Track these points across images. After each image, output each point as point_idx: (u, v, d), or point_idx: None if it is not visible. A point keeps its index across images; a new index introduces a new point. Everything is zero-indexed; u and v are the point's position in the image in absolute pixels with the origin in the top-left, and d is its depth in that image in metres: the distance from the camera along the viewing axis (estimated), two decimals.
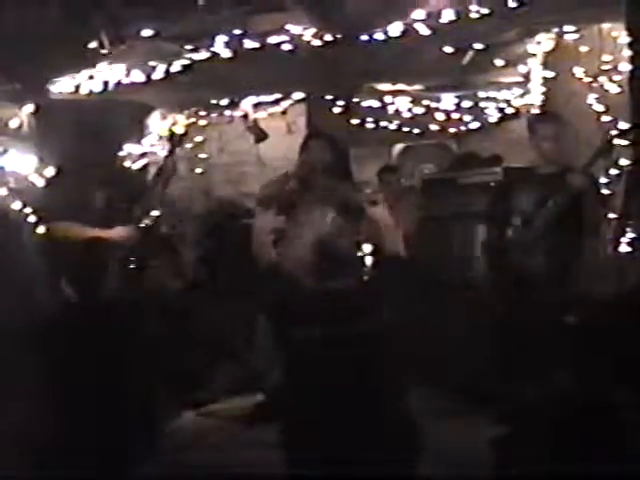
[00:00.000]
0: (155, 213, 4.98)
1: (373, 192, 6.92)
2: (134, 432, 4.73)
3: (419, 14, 5.57)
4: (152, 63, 6.07)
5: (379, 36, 5.75)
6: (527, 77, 7.14)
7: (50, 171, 5.71)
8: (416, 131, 8.59)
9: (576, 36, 6.35)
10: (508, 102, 8.17)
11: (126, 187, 5.06)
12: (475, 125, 8.48)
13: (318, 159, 4.99)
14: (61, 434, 4.60)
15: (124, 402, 4.67)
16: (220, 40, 5.75)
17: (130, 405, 4.72)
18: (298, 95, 7.85)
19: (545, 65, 6.75)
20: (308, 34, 5.79)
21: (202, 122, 8.30)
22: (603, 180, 5.83)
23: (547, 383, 4.19)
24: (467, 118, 8.43)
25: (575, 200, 5.18)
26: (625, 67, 5.70)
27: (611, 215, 5.73)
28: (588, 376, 3.87)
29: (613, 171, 5.91)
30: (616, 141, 5.17)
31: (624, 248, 5.52)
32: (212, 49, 5.82)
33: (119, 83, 6.22)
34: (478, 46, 6.30)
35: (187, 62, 5.98)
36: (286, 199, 5.05)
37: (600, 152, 5.21)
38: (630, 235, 5.58)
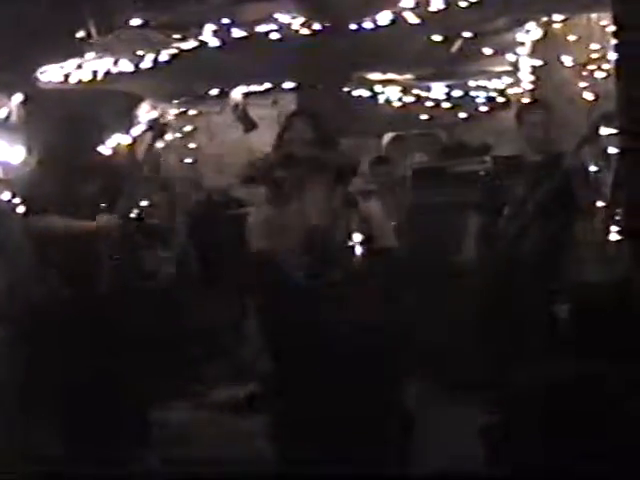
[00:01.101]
0: (142, 203, 4.96)
1: (365, 182, 6.95)
2: (127, 426, 4.73)
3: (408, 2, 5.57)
4: (140, 52, 6.05)
5: (368, 25, 5.74)
6: (516, 66, 7.14)
7: (38, 161, 5.69)
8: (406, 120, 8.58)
9: (564, 25, 6.36)
10: (498, 91, 8.17)
11: (112, 177, 5.03)
12: (465, 114, 8.47)
13: (301, 135, 4.96)
14: (52, 430, 4.60)
15: (115, 396, 4.67)
16: (208, 29, 5.74)
17: (121, 399, 4.71)
18: (288, 85, 7.83)
19: (534, 54, 6.76)
20: (297, 23, 5.78)
21: (191, 112, 8.29)
22: (592, 168, 5.84)
23: (539, 371, 4.20)
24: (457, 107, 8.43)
25: (564, 187, 5.20)
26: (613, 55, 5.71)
27: (600, 203, 5.75)
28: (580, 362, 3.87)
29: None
30: (603, 128, 5.19)
31: (613, 236, 5.53)
32: (200, 38, 5.80)
33: (108, 72, 6.21)
34: (467, 34, 6.29)
35: (175, 51, 5.97)
36: (272, 178, 5.03)
37: (586, 138, 5.23)
38: (619, 223, 5.60)
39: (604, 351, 3.54)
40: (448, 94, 8.15)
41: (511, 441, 3.44)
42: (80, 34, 5.64)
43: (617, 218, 5.63)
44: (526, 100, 6.79)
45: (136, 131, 7.42)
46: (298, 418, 4.51)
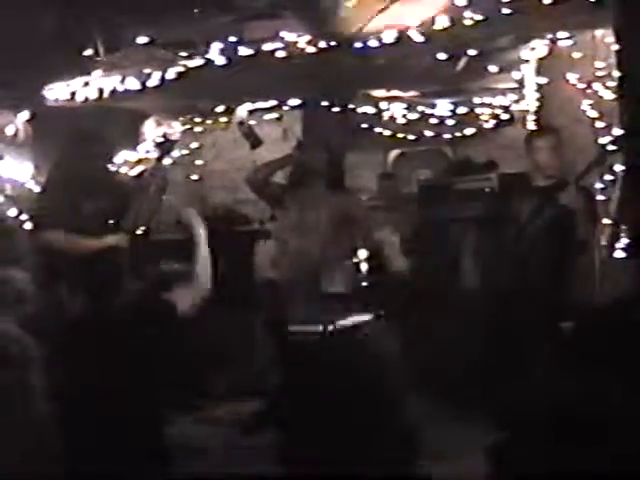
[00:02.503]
0: (149, 220, 4.99)
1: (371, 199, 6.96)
2: (134, 438, 4.72)
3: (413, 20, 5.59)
4: (147, 70, 6.08)
5: (373, 43, 5.76)
6: (521, 83, 7.16)
7: (44, 178, 5.72)
8: (411, 137, 8.59)
9: (569, 42, 6.37)
10: (503, 108, 8.19)
11: (120, 194, 5.06)
12: (470, 131, 8.49)
13: (312, 161, 4.99)
14: (59, 440, 4.59)
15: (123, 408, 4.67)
16: (215, 47, 5.76)
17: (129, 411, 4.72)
18: (293, 101, 7.86)
19: (539, 71, 6.78)
20: (302, 41, 5.80)
21: (198, 129, 8.32)
22: (598, 185, 5.85)
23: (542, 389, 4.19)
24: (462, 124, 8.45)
25: (570, 208, 5.20)
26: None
27: (606, 221, 5.75)
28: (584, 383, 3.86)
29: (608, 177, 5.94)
30: (610, 147, 5.20)
31: (619, 254, 5.53)
32: (207, 56, 5.83)
33: (114, 90, 6.23)
34: (472, 52, 6.31)
35: (182, 69, 6.00)
36: (275, 191, 5.05)
37: (595, 161, 5.24)
38: (624, 241, 5.59)
39: (609, 369, 3.54)
40: (453, 111, 8.17)
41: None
42: (87, 52, 5.67)
43: (622, 235, 5.63)
44: (532, 117, 6.82)
45: (143, 148, 7.45)
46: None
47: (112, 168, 5.43)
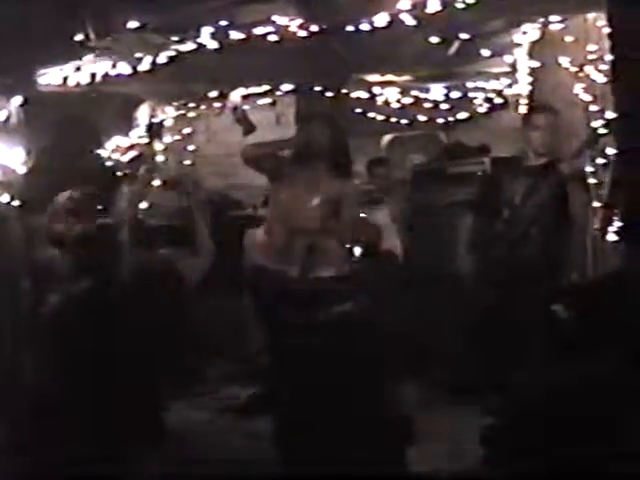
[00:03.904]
0: (141, 205, 5.00)
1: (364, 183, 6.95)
2: (131, 426, 4.74)
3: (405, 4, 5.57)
4: (139, 55, 6.06)
5: (365, 27, 5.75)
6: (514, 67, 7.15)
7: (35, 163, 5.71)
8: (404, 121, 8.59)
9: (561, 26, 6.36)
10: (497, 92, 8.19)
11: (107, 179, 5.06)
12: (464, 115, 8.48)
13: (316, 140, 4.97)
14: (57, 431, 4.61)
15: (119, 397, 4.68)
16: (206, 31, 5.74)
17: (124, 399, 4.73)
18: (287, 86, 7.84)
19: (531, 55, 6.76)
20: (294, 25, 5.78)
21: (190, 114, 8.30)
22: (590, 169, 5.86)
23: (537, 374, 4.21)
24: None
25: (562, 190, 5.21)
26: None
27: (597, 204, 5.76)
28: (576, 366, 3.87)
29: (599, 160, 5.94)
30: (602, 131, 5.20)
31: (611, 237, 5.54)
32: (198, 40, 5.81)
33: (106, 75, 6.22)
34: (464, 36, 6.30)
35: (173, 53, 5.98)
36: (274, 165, 5.04)
37: (587, 142, 5.24)
38: (617, 224, 5.60)
39: (604, 352, 3.55)
40: (447, 95, 8.17)
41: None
42: (78, 37, 5.63)
43: (615, 219, 5.64)
44: (526, 101, 6.81)
45: (136, 133, 7.43)
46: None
47: (100, 153, 5.43)
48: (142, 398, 4.93)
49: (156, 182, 7.73)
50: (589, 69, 6.22)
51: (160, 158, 7.69)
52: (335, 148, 5.01)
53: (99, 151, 5.34)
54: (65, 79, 6.23)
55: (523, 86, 6.90)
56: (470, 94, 8.22)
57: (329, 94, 7.90)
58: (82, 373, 4.64)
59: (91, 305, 4.78)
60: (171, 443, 5.09)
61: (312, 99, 7.93)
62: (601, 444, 3.18)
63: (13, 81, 6.00)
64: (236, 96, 7.31)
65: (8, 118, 6.23)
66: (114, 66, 6.17)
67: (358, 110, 8.33)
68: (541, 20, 6.39)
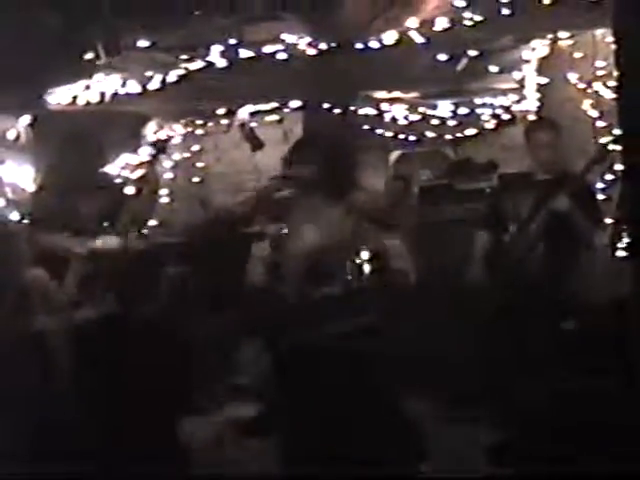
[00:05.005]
0: (149, 223, 5.00)
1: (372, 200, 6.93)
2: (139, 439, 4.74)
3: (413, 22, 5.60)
4: (148, 73, 6.09)
5: (374, 44, 5.77)
6: (522, 83, 7.17)
7: (44, 181, 5.72)
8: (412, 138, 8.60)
9: (570, 42, 6.38)
10: (505, 108, 8.19)
11: (117, 197, 5.07)
12: (471, 131, 8.49)
13: (308, 165, 4.92)
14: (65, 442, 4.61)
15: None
16: (215, 50, 5.77)
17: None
18: (295, 103, 7.87)
19: (540, 71, 6.78)
20: (303, 43, 5.81)
21: (199, 131, 8.33)
22: (599, 185, 5.86)
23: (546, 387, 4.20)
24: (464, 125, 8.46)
25: (571, 206, 5.21)
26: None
27: (607, 220, 5.75)
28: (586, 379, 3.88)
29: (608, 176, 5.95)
30: (611, 147, 5.19)
31: (620, 253, 5.54)
32: (208, 59, 5.84)
33: (116, 94, 6.24)
34: (472, 53, 6.32)
35: (183, 72, 6.01)
36: (273, 210, 5.02)
37: (596, 159, 5.23)
38: (626, 240, 5.59)
39: (609, 367, 3.55)
40: (454, 112, 8.18)
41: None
42: (88, 56, 5.67)
43: (624, 234, 5.63)
44: (533, 118, 6.82)
45: (144, 151, 7.47)
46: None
47: (106, 170, 5.44)
48: (152, 414, 4.94)
49: (165, 199, 7.79)
50: (597, 85, 6.23)
51: (169, 175, 7.73)
52: (331, 172, 4.92)
53: (108, 169, 5.35)
54: (75, 98, 6.26)
55: (531, 102, 6.91)
56: (478, 110, 8.22)
57: (337, 111, 7.92)
58: (91, 388, 4.65)
59: (100, 323, 4.79)
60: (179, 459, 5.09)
61: (320, 116, 7.95)
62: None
63: (22, 100, 6.03)
64: (244, 113, 7.35)
65: (18, 137, 6.27)
66: (124, 84, 6.20)
67: (366, 127, 8.34)
68: (549, 37, 6.41)
